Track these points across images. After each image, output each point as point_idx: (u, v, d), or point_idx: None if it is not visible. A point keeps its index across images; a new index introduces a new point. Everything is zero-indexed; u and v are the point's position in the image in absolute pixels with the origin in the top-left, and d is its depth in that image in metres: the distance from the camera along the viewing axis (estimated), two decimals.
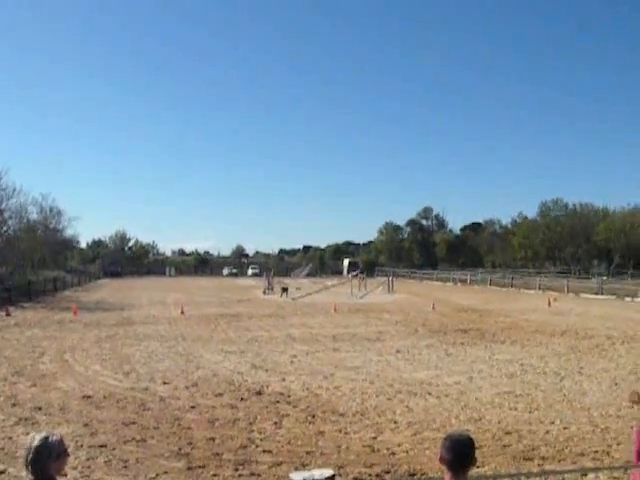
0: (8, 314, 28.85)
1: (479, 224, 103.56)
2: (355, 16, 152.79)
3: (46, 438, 3.67)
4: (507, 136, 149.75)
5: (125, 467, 8.11)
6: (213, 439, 9.33)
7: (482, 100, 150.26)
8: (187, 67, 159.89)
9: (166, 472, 7.90)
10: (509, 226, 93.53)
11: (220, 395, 12.33)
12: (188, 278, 79.31)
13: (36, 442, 3.62)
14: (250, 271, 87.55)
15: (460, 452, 3.48)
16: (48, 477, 3.62)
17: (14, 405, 11.53)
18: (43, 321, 26.52)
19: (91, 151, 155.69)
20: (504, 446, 8.97)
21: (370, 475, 7.79)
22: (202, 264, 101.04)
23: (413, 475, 7.83)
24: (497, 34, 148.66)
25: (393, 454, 8.61)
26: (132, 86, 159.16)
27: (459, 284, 62.48)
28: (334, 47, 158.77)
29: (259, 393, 12.50)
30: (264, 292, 46.95)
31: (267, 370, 15.09)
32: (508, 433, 9.64)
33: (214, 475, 7.81)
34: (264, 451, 8.74)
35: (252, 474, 7.83)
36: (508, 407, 11.41)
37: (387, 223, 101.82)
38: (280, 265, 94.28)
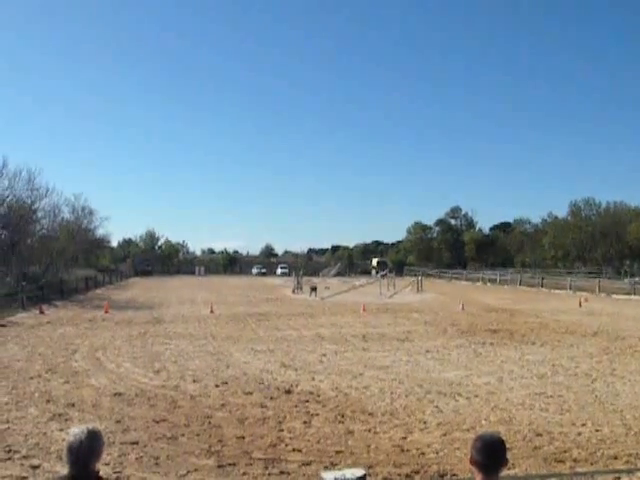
0: (41, 312, 29.32)
1: (508, 224, 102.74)
2: (383, 15, 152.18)
3: (93, 432, 3.65)
4: (538, 135, 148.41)
5: (156, 464, 8.19)
6: (243, 437, 9.38)
7: (512, 100, 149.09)
8: (213, 68, 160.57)
9: (197, 469, 7.97)
10: (539, 226, 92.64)
11: (250, 394, 12.39)
12: (217, 277, 79.79)
13: (83, 436, 3.57)
14: (279, 270, 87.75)
15: (491, 453, 3.46)
16: (91, 471, 3.60)
17: (48, 401, 11.72)
18: (75, 319, 26.87)
19: (122, 151, 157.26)
20: (535, 448, 8.89)
21: (400, 475, 7.78)
22: (231, 263, 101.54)
23: (443, 476, 7.80)
24: (524, 34, 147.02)
25: (423, 454, 8.58)
26: (161, 87, 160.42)
27: (488, 284, 62.06)
28: (367, 48, 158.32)
29: (288, 392, 12.54)
30: (293, 291, 47.08)
31: (296, 369, 15.13)
32: (539, 435, 9.55)
33: (244, 473, 7.85)
34: (294, 450, 8.77)
35: (282, 473, 7.86)
36: (539, 408, 11.31)
37: (416, 223, 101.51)
38: (309, 265, 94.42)
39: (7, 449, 8.74)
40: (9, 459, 8.33)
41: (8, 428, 9.91)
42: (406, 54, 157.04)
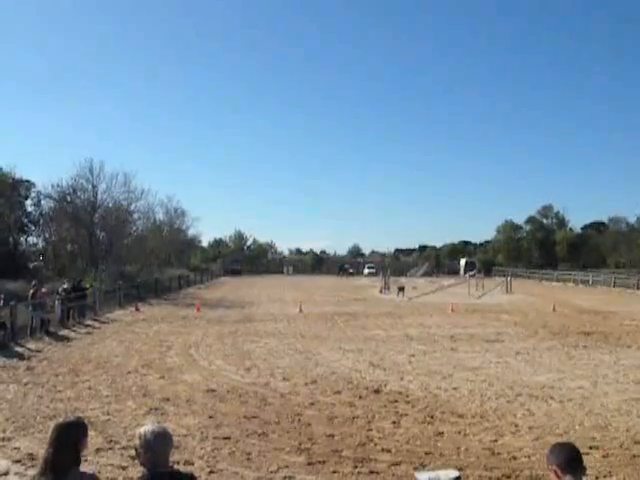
0: (137, 309, 30.44)
1: (602, 223, 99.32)
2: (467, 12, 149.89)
3: (163, 428, 3.76)
4: (634, 133, 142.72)
5: (248, 459, 8.40)
6: (332, 436, 9.49)
7: (606, 101, 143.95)
8: (302, 70, 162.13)
9: (287, 466, 8.13)
10: (635, 225, 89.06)
11: (339, 393, 12.51)
12: (305, 277, 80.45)
13: (159, 429, 3.68)
14: (366, 270, 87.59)
15: (573, 452, 3.47)
16: (168, 465, 3.70)
17: (144, 395, 12.21)
18: (169, 317, 27.75)
19: (211, 152, 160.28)
20: (633, 456, 8.57)
21: (490, 479, 7.70)
22: (319, 263, 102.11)
23: None
24: (623, 34, 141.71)
25: (514, 458, 8.46)
26: (251, 86, 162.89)
27: (580, 285, 60.10)
28: (454, 47, 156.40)
29: (377, 392, 12.59)
30: (380, 291, 46.93)
31: (385, 369, 15.15)
32: (637, 442, 9.21)
33: (334, 471, 7.95)
34: (383, 450, 8.81)
35: (371, 472, 7.92)
36: (637, 415, 10.91)
37: (506, 221, 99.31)
38: (396, 264, 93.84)
39: (108, 439, 9.18)
40: (110, 449, 8.77)
41: (109, 420, 10.41)
42: (499, 54, 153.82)
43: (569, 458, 3.44)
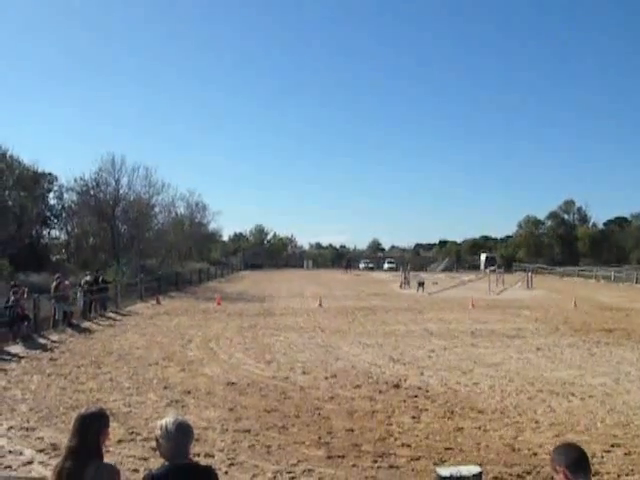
0: (158, 303, 30.65)
1: (625, 219, 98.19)
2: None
3: (184, 419, 3.76)
4: None
5: (268, 452, 8.45)
6: (352, 430, 9.51)
7: (623, 92, 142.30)
8: (317, 62, 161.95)
9: (307, 459, 8.16)
10: None
11: (358, 387, 12.53)
12: (325, 271, 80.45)
13: (180, 421, 3.67)
14: (386, 265, 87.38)
15: (580, 452, 3.34)
16: (188, 457, 3.71)
17: (165, 388, 12.31)
18: (189, 310, 27.90)
19: (232, 146, 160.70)
20: None
21: (511, 475, 7.67)
22: (338, 257, 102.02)
23: None
24: None
25: (535, 455, 8.42)
26: (273, 80, 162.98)
27: (602, 281, 59.55)
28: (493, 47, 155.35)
29: (397, 386, 12.59)
30: (400, 286, 46.78)
31: (405, 364, 15.15)
32: None
33: (353, 465, 7.97)
34: (402, 444, 8.82)
35: (391, 467, 7.92)
36: None
37: (528, 217, 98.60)
38: (416, 259, 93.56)
39: (130, 431, 9.28)
40: (132, 440, 8.85)
41: (130, 412, 10.51)
42: (519, 47, 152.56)
43: (579, 458, 3.30)
